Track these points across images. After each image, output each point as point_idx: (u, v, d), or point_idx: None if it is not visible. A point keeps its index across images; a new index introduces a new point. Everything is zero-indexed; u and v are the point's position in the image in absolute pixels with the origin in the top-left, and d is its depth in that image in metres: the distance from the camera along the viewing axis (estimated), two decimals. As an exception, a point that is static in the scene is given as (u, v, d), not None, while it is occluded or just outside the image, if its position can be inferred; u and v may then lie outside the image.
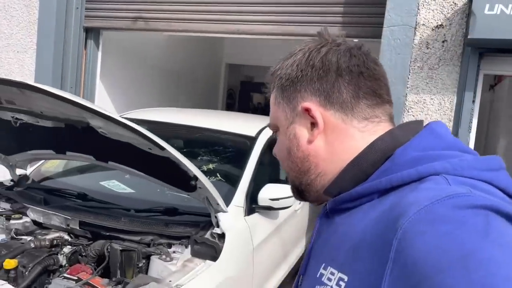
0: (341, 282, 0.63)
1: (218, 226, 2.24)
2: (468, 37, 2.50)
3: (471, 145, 2.81)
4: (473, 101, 2.76)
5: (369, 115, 0.74)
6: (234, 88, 8.56)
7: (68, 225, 2.37)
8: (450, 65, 2.82)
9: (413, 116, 2.88)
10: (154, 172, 2.19)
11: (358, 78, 0.74)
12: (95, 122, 1.69)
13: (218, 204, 2.15)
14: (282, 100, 0.80)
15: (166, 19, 4.06)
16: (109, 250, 2.17)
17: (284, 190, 2.64)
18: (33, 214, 2.45)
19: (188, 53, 6.59)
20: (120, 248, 2.11)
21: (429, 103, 2.86)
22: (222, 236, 2.24)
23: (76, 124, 1.83)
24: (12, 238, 2.37)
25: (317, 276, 0.69)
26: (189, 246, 2.16)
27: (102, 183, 2.76)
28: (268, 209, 2.65)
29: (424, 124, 0.74)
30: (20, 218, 2.44)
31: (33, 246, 2.23)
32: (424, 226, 0.53)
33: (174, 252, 2.18)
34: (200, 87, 7.15)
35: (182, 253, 2.17)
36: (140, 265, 2.13)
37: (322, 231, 0.78)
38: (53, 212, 2.36)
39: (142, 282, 2.00)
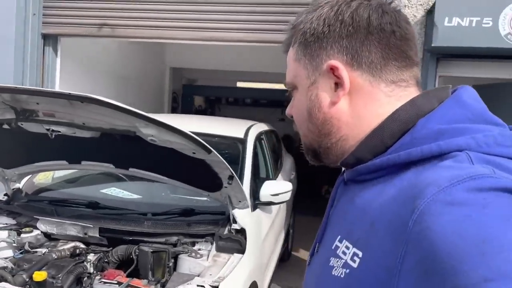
0: (355, 258, 0.62)
1: (235, 222, 2.43)
2: (432, 45, 2.94)
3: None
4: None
5: (397, 78, 0.70)
6: (177, 91, 8.60)
7: (85, 234, 2.40)
8: (413, 69, 3.25)
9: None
10: (177, 175, 2.31)
11: (389, 38, 0.69)
12: (148, 131, 1.80)
13: (240, 201, 2.33)
14: (304, 57, 0.75)
15: (134, 26, 4.09)
16: (137, 253, 2.25)
17: (282, 186, 2.89)
18: (45, 226, 2.44)
19: (136, 58, 6.55)
20: (151, 250, 2.21)
21: (396, 102, 3.27)
22: (239, 231, 2.43)
23: (119, 133, 1.92)
24: (27, 252, 2.35)
25: (332, 248, 0.68)
26: (214, 242, 2.32)
27: (103, 191, 2.79)
28: (269, 204, 2.87)
29: (452, 90, 0.70)
30: (31, 231, 2.42)
31: (55, 257, 2.24)
32: (442, 209, 0.51)
33: (199, 249, 2.33)
34: (147, 91, 7.13)
35: (207, 250, 2.33)
36: (170, 264, 2.24)
37: (339, 199, 0.76)
38: (71, 222, 2.37)
39: (181, 279, 2.14)
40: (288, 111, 0.82)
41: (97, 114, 1.78)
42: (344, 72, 0.70)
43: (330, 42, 0.71)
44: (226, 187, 2.24)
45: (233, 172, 2.03)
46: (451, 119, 0.63)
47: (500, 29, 2.82)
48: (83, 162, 2.38)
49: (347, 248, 0.64)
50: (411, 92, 0.71)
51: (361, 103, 0.70)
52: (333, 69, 0.70)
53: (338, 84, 0.71)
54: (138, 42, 5.86)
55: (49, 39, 4.35)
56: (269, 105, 9.93)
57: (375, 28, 0.69)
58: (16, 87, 1.68)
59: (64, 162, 2.39)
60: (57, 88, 4.48)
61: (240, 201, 2.33)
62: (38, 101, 1.76)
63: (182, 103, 8.94)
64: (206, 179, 2.24)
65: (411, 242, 0.52)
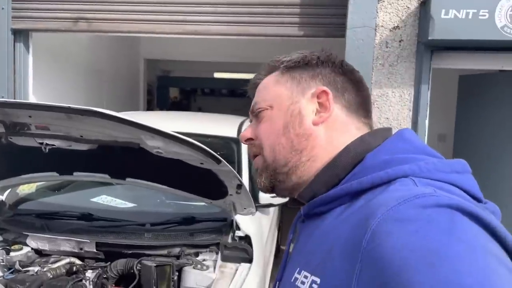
0: (314, 285, 0.64)
1: (238, 229, 2.33)
2: (429, 38, 2.88)
3: (426, 129, 3.25)
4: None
5: (364, 121, 0.82)
6: (152, 83, 8.33)
7: (81, 249, 2.25)
8: (407, 62, 3.21)
9: (378, 108, 3.22)
10: (178, 184, 2.18)
11: (362, 93, 0.84)
12: (154, 143, 1.67)
13: (245, 208, 2.23)
14: (290, 80, 0.82)
15: (112, 20, 3.87)
16: (138, 267, 2.13)
17: (281, 186, 2.80)
18: (36, 242, 2.27)
19: (109, 50, 6.28)
20: (155, 264, 2.09)
21: (391, 96, 3.22)
22: (243, 237, 2.34)
23: (120, 146, 1.78)
24: (18, 271, 2.18)
25: (292, 280, 0.71)
26: (219, 252, 2.22)
27: (93, 199, 2.63)
28: (269, 207, 2.79)
29: (393, 132, 0.79)
30: (21, 249, 2.25)
31: (50, 276, 2.09)
32: (391, 226, 0.55)
33: (204, 260, 2.22)
34: (121, 84, 6.86)
35: (212, 260, 2.23)
36: (175, 278, 2.13)
37: (298, 237, 0.80)
38: (64, 238, 2.22)
39: (190, 295, 2.04)
40: (247, 133, 0.87)
41: (97, 127, 1.64)
42: (331, 98, 0.79)
43: (323, 74, 0.82)
44: (231, 195, 2.14)
45: (242, 181, 1.92)
46: (395, 151, 0.71)
47: (496, 21, 2.80)
48: (75, 173, 2.22)
49: (306, 277, 0.67)
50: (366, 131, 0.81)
51: (336, 131, 0.79)
52: (321, 95, 0.79)
53: (319, 110, 0.79)
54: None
55: (20, 35, 4.06)
56: (245, 95, 9.75)
57: (356, 79, 0.83)
58: (7, 101, 1.51)
59: (54, 173, 2.22)
60: (30, 87, 4.22)
61: (245, 208, 2.23)
62: (30, 114, 1.59)
63: (158, 95, 8.69)
64: (210, 187, 2.12)
65: (365, 260, 0.56)
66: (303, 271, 0.69)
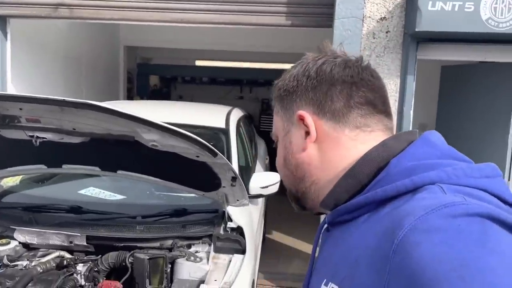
0: None
1: (230, 220, 2.34)
2: (416, 29, 2.92)
3: (411, 120, 3.31)
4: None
5: (361, 124, 0.75)
6: (132, 71, 8.18)
7: (71, 242, 2.22)
8: (394, 53, 3.24)
9: (365, 98, 3.25)
10: (171, 176, 2.17)
11: (351, 88, 0.75)
12: (150, 136, 1.65)
13: (238, 200, 2.24)
14: (280, 110, 0.82)
15: (95, 6, 3.76)
16: (131, 260, 2.11)
17: (271, 177, 2.81)
18: (23, 236, 2.23)
19: (88, 36, 6.12)
20: (147, 257, 2.08)
21: (377, 87, 3.26)
22: (235, 229, 2.34)
23: (114, 139, 1.75)
24: (5, 266, 2.13)
25: None
26: (212, 243, 2.22)
27: (81, 192, 2.59)
28: (258, 197, 2.80)
29: (418, 134, 0.75)
30: (9, 243, 2.20)
31: (40, 270, 2.06)
32: (419, 237, 0.54)
33: (196, 251, 2.22)
34: (101, 72, 6.71)
35: (204, 252, 2.23)
36: (168, 270, 2.13)
37: (323, 246, 0.79)
38: (53, 231, 2.18)
39: (184, 286, 2.04)
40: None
41: (92, 120, 1.60)
42: (310, 120, 0.76)
43: (299, 95, 0.78)
44: (224, 187, 2.13)
45: (237, 174, 1.92)
46: (421, 157, 0.68)
47: (481, 13, 2.84)
48: (64, 166, 2.18)
49: None
50: (376, 136, 0.75)
51: (328, 148, 0.76)
52: (302, 119, 0.77)
53: (307, 132, 0.77)
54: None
55: (-3, 21, 3.92)
56: (227, 83, 9.73)
57: (337, 80, 0.76)
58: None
59: (43, 166, 2.17)
60: (8, 75, 4.09)
61: (238, 200, 2.23)
62: (21, 106, 1.55)
63: (138, 83, 8.54)
64: (203, 179, 2.12)
65: (393, 272, 0.54)
66: (330, 283, 0.67)
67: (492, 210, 0.56)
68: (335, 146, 0.75)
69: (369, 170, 0.71)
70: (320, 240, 0.82)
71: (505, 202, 0.63)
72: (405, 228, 0.55)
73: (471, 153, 0.72)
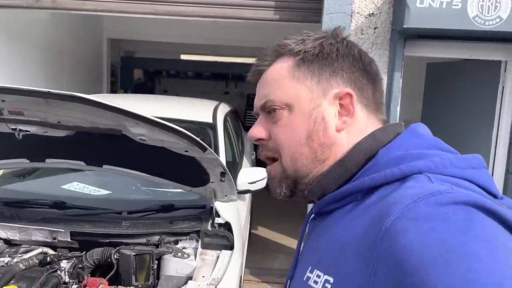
0: (327, 284, 0.63)
1: (218, 215, 2.31)
2: (404, 26, 2.92)
3: (397, 116, 3.32)
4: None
5: (382, 118, 0.79)
6: (115, 64, 8.05)
7: (54, 238, 2.16)
8: (381, 49, 3.25)
9: (352, 94, 3.25)
10: (158, 171, 2.13)
11: (379, 88, 0.79)
12: (138, 130, 1.61)
13: (226, 195, 2.21)
14: (308, 76, 0.74)
15: (79, -3, 3.67)
16: (117, 257, 2.07)
17: (258, 173, 2.79)
18: (5, 232, 2.16)
19: (71, 28, 5.99)
20: (134, 253, 2.04)
21: (365, 83, 3.26)
22: (223, 224, 2.32)
23: (101, 132, 1.70)
24: (-14, 263, 2.07)
25: (304, 279, 0.69)
26: (199, 239, 2.19)
27: (64, 186, 2.53)
28: (246, 193, 2.78)
29: (405, 126, 0.76)
30: (-11, 239, 2.14)
31: (23, 267, 2.00)
32: (407, 224, 0.54)
33: (183, 248, 2.19)
34: (84, 65, 6.58)
35: (192, 248, 2.20)
36: (154, 266, 2.09)
37: (310, 236, 0.78)
38: (36, 227, 2.12)
39: (171, 283, 2.01)
40: (258, 133, 0.79)
41: (78, 113, 1.55)
42: (355, 101, 0.73)
43: (345, 70, 0.74)
44: (213, 182, 2.10)
45: (226, 169, 1.90)
46: (409, 147, 0.69)
47: (468, 11, 2.86)
48: (48, 160, 2.12)
49: (318, 276, 0.66)
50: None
51: (357, 133, 0.74)
52: (344, 97, 0.73)
53: (341, 113, 0.74)
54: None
55: (-24, 10, 3.80)
56: (212, 78, 9.66)
57: (374, 72, 0.77)
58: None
59: (25, 160, 2.11)
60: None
61: (226, 195, 2.21)
62: (4, 98, 1.49)
63: (121, 76, 8.42)
64: (191, 174, 2.08)
65: (380, 259, 0.55)
66: (315, 270, 0.67)
67: (478, 198, 0.56)
68: (363, 133, 0.74)
69: (357, 160, 0.72)
70: (307, 230, 0.81)
71: (489, 193, 0.64)
72: (393, 216, 0.56)
73: (456, 149, 0.72)
